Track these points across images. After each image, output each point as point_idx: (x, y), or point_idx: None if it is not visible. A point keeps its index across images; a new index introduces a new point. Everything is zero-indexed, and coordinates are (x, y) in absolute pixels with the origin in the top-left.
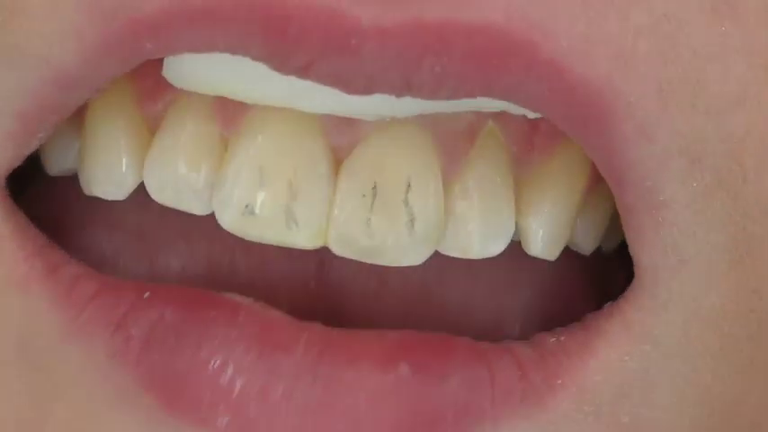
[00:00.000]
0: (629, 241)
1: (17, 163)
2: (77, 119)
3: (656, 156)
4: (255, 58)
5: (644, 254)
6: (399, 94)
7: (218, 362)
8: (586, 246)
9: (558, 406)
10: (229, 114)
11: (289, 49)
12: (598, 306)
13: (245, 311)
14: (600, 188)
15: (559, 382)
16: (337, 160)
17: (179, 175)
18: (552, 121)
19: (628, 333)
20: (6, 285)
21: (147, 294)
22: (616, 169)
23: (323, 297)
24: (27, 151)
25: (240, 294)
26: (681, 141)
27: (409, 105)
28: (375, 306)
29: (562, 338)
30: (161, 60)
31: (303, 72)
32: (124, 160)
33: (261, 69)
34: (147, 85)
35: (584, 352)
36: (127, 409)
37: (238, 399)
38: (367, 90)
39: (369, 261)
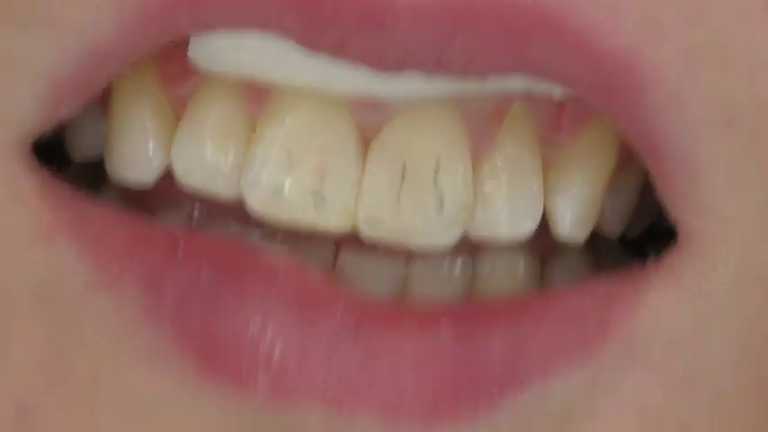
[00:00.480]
0: (668, 207)
1: (44, 128)
2: (103, 103)
3: (688, 122)
4: (289, 34)
5: (685, 217)
6: (431, 72)
7: (257, 325)
8: (613, 229)
9: (609, 352)
10: (257, 96)
11: (323, 24)
12: None
13: (282, 272)
14: (627, 170)
15: (611, 329)
16: (365, 141)
17: (207, 158)
18: (582, 96)
19: (677, 285)
20: (31, 237)
21: (182, 247)
22: (649, 139)
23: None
24: (55, 119)
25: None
26: (713, 105)
27: (436, 87)
28: None
29: (613, 286)
30: (186, 43)
31: (337, 49)
32: (151, 144)
33: (288, 51)
34: (172, 69)
35: (635, 301)
36: (157, 367)
37: (278, 362)
38: (399, 67)
39: (397, 242)
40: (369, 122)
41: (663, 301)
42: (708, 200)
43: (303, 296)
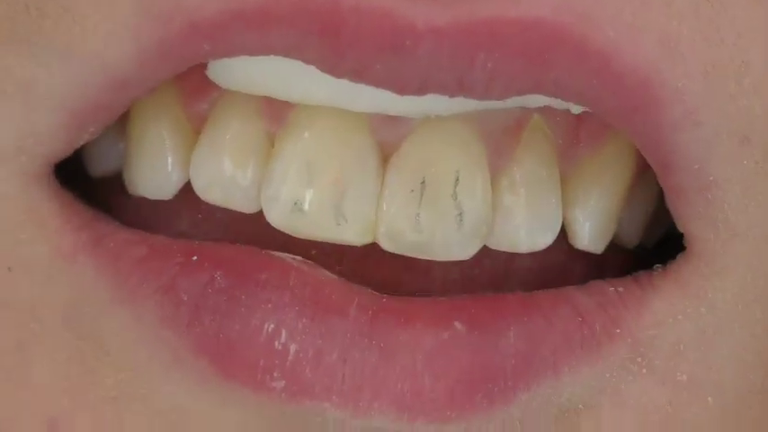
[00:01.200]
0: (677, 220)
1: (66, 154)
2: (121, 119)
3: (704, 138)
4: (310, 60)
5: (695, 229)
6: (452, 95)
7: (271, 326)
8: (631, 239)
9: (615, 354)
10: (276, 111)
11: (344, 50)
12: None
13: (295, 273)
14: (644, 182)
15: (618, 331)
16: (385, 156)
17: (225, 172)
18: (598, 114)
19: (682, 292)
20: (53, 259)
21: (195, 257)
22: (664, 155)
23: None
24: (77, 144)
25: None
26: (729, 123)
27: (455, 104)
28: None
29: (620, 289)
30: (205, 62)
31: (358, 74)
32: (170, 159)
33: (306, 69)
34: (191, 84)
35: (641, 305)
36: (179, 374)
37: (293, 363)
38: (420, 91)
39: (417, 256)
40: (388, 137)
41: (668, 307)
42: (719, 214)
43: (316, 297)
